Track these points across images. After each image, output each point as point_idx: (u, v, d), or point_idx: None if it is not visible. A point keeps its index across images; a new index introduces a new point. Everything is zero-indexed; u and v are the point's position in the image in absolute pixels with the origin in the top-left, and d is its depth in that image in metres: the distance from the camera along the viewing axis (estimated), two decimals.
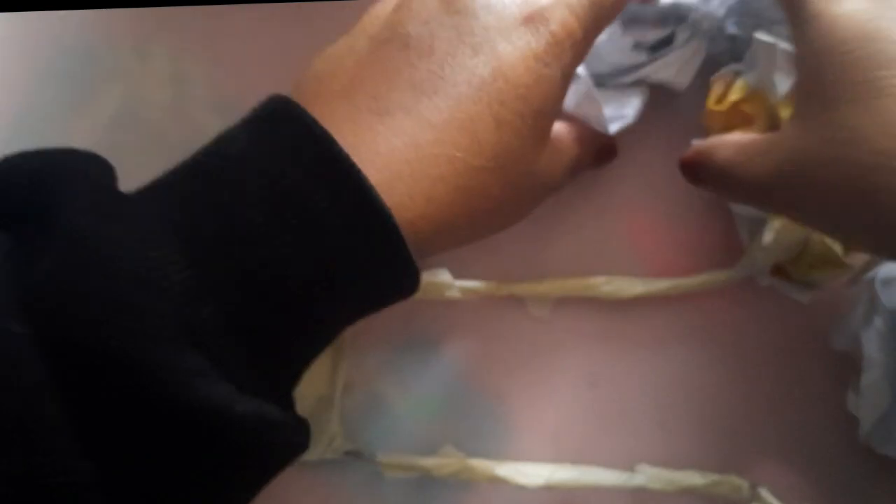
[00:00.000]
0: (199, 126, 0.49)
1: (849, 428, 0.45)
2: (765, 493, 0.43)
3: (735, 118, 0.42)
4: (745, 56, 0.43)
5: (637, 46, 0.43)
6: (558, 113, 0.37)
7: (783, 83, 0.40)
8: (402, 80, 0.33)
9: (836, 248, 0.42)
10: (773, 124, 0.41)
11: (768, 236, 0.42)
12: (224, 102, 0.49)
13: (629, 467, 0.45)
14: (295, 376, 0.32)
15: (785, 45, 0.40)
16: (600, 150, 0.44)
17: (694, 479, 0.44)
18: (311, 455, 0.44)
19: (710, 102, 0.43)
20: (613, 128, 0.43)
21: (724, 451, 0.46)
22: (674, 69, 0.44)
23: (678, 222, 0.48)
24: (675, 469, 0.45)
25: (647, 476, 0.45)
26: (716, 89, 0.43)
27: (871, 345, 0.42)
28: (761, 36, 0.41)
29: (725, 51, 0.45)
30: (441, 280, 0.45)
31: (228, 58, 0.50)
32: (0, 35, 0.50)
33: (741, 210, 0.45)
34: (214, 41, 0.50)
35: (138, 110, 0.49)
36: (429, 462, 0.44)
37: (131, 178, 0.48)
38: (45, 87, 0.49)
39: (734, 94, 0.42)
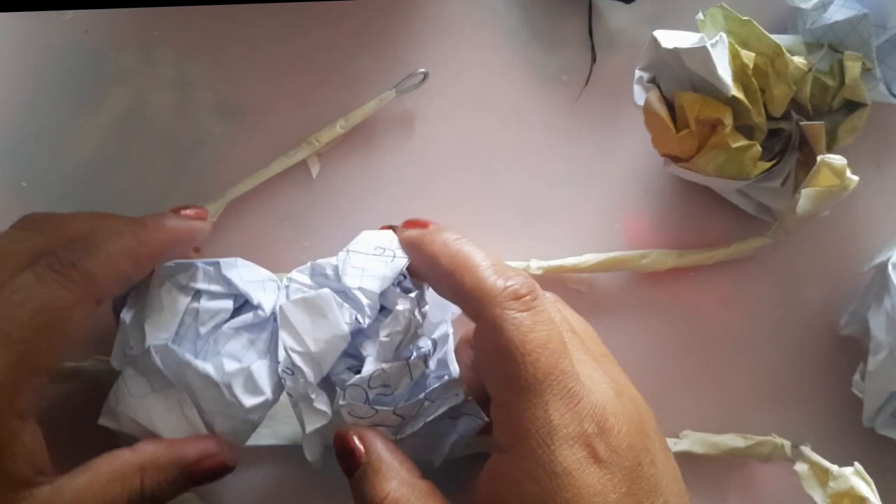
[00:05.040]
0: (204, 129, 0.49)
1: (853, 410, 0.46)
2: (807, 450, 0.44)
3: (704, 131, 0.44)
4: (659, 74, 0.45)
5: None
6: None
7: (727, 74, 0.42)
8: None
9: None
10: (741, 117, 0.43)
11: (804, 203, 0.43)
12: (228, 105, 0.49)
13: (674, 434, 0.46)
14: None
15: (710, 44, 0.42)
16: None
17: (736, 441, 0.46)
18: None
19: (674, 132, 0.44)
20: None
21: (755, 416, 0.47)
22: None
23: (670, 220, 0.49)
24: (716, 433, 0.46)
25: (690, 441, 0.46)
26: (668, 123, 0.44)
27: (880, 328, 0.44)
28: (681, 44, 0.43)
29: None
30: None
31: (233, 61, 0.50)
32: (5, 36, 0.49)
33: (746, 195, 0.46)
34: (219, 44, 0.50)
35: (143, 113, 0.49)
36: None
37: (135, 180, 0.48)
38: (50, 89, 0.49)
39: (692, 111, 0.43)
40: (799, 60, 0.43)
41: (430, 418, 0.40)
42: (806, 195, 0.42)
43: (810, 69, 0.43)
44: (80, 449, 0.37)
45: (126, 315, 0.40)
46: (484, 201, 0.49)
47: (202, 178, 0.48)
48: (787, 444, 0.45)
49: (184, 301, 0.40)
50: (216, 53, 0.50)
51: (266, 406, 0.40)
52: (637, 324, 0.48)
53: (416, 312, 0.40)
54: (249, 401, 0.39)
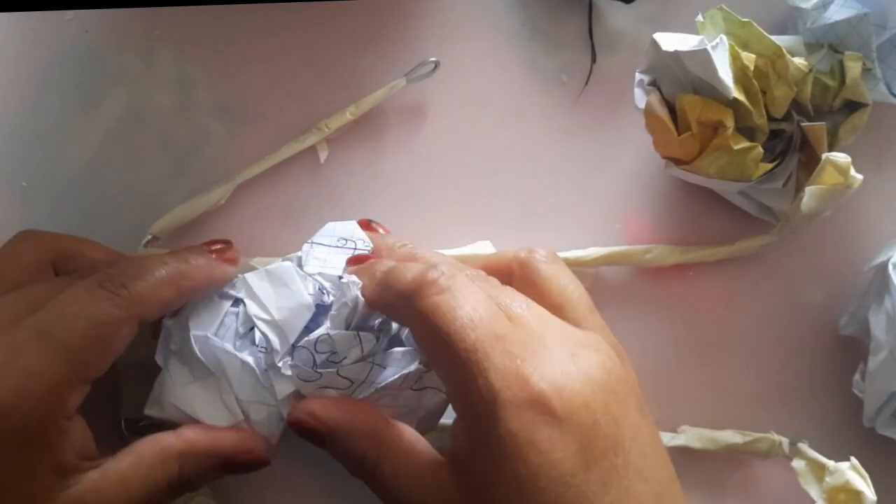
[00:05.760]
0: (204, 129, 0.49)
1: (853, 410, 0.46)
2: (804, 447, 0.45)
3: (706, 133, 0.44)
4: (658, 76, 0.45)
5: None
6: None
7: (727, 76, 0.42)
8: None
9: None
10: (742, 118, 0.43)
11: (809, 201, 0.43)
12: (229, 106, 0.49)
13: (672, 428, 0.47)
14: None
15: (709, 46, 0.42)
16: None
17: (734, 437, 0.46)
18: None
19: (676, 135, 0.44)
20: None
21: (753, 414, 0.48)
22: None
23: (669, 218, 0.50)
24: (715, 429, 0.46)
25: (688, 436, 0.46)
26: (669, 126, 0.45)
27: (880, 328, 0.44)
28: (682, 47, 0.43)
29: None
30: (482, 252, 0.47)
31: (233, 61, 0.50)
32: (6, 36, 0.49)
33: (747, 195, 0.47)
34: (219, 44, 0.50)
35: (143, 113, 0.49)
36: None
37: (136, 180, 0.48)
38: (50, 89, 0.49)
39: (694, 113, 0.43)
40: (799, 61, 0.43)
41: (382, 384, 0.40)
42: (810, 193, 0.42)
43: (811, 70, 0.43)
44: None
45: (168, 319, 0.42)
46: (483, 200, 0.49)
47: (202, 178, 0.48)
48: (784, 441, 0.45)
49: (225, 305, 0.42)
50: (216, 53, 0.50)
51: (297, 396, 0.41)
52: (637, 321, 0.48)
53: (359, 289, 0.41)
54: (282, 388, 0.41)
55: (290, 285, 0.42)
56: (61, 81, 0.49)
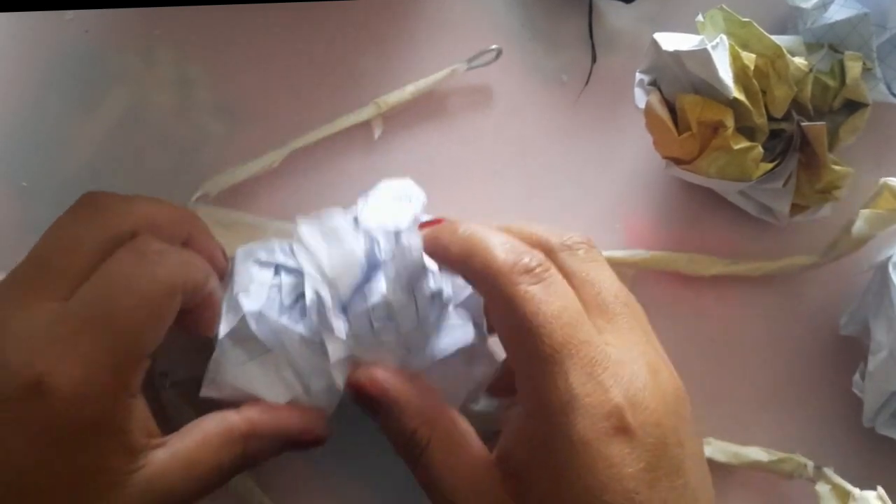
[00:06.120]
0: (204, 129, 0.49)
1: (853, 410, 0.46)
2: (830, 472, 0.44)
3: (706, 133, 0.44)
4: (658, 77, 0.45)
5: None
6: None
7: (727, 76, 0.42)
8: None
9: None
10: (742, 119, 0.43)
11: (861, 225, 0.43)
12: (228, 105, 0.49)
13: None
14: None
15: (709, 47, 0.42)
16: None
17: (759, 454, 0.45)
18: None
19: (676, 135, 0.44)
20: None
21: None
22: None
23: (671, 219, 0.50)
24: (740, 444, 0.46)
25: (713, 448, 0.46)
26: (669, 126, 0.45)
27: (880, 328, 0.43)
28: (682, 47, 0.43)
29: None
30: None
31: (233, 61, 0.50)
32: (6, 36, 0.49)
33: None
34: (219, 44, 0.50)
35: (143, 113, 0.49)
36: None
37: (135, 180, 0.48)
38: (50, 88, 0.49)
39: (694, 113, 0.43)
40: (799, 61, 0.43)
41: (439, 357, 0.40)
42: (863, 216, 0.42)
43: (811, 70, 0.43)
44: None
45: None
46: (483, 200, 0.49)
47: (202, 178, 0.48)
48: (810, 464, 0.44)
49: (267, 275, 0.42)
50: (216, 53, 0.50)
51: (352, 365, 0.41)
52: None
53: (420, 252, 0.40)
54: (334, 349, 0.40)
55: (343, 240, 0.41)
56: (61, 81, 0.49)
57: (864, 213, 0.42)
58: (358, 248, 0.41)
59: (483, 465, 0.36)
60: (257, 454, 0.39)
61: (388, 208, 0.42)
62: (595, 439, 0.33)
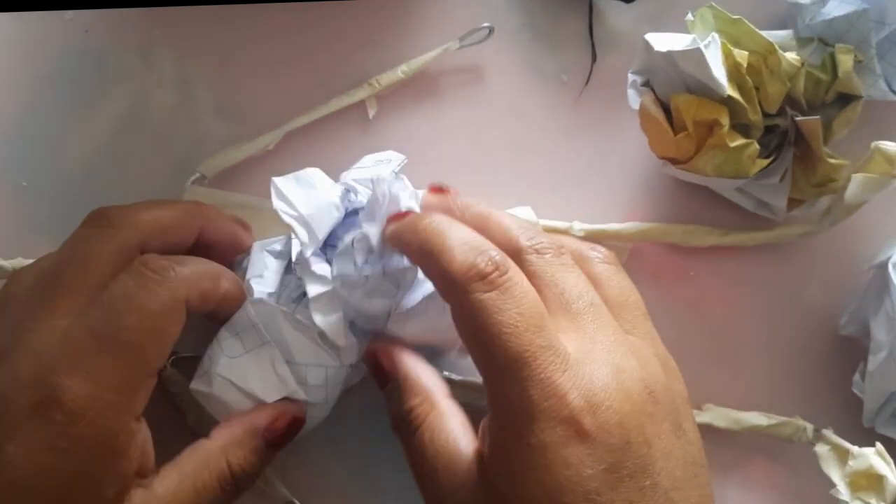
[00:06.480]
0: (204, 128, 0.49)
1: (853, 410, 0.46)
2: (829, 433, 0.44)
3: (702, 132, 0.44)
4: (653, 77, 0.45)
5: None
6: None
7: (721, 74, 0.42)
8: None
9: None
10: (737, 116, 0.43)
11: (853, 189, 0.42)
12: (228, 105, 0.50)
13: (697, 406, 0.46)
14: None
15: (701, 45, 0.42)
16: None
17: (759, 419, 0.45)
18: None
19: (672, 135, 0.44)
20: None
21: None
22: None
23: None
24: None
25: (713, 414, 0.46)
26: (665, 125, 0.44)
27: (880, 328, 0.43)
28: (674, 47, 0.43)
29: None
30: (526, 218, 0.46)
31: (233, 60, 0.50)
32: (6, 36, 0.49)
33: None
34: (219, 44, 0.50)
35: (143, 113, 0.49)
36: None
37: (135, 180, 0.49)
38: (50, 88, 0.49)
39: (689, 113, 0.43)
40: (791, 56, 0.43)
41: (428, 292, 0.41)
42: (855, 181, 0.42)
43: (803, 64, 0.43)
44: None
45: None
46: (476, 179, 0.49)
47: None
48: (809, 426, 0.44)
49: (280, 266, 0.42)
50: (216, 53, 0.50)
51: (354, 351, 0.42)
52: None
53: (395, 185, 0.41)
54: (313, 287, 0.41)
55: (316, 186, 0.42)
56: (61, 81, 0.49)
57: (857, 177, 0.42)
58: (334, 193, 0.42)
59: (465, 457, 0.36)
60: (246, 464, 0.39)
61: (369, 169, 0.43)
62: (553, 442, 0.33)
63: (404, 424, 0.38)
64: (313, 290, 0.40)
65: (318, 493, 0.45)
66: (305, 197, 0.41)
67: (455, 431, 0.37)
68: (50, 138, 0.49)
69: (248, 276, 0.42)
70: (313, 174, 0.42)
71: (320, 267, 0.41)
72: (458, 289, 0.35)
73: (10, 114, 0.49)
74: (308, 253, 0.40)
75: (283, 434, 0.40)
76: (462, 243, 0.36)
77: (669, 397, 0.36)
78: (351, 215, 0.42)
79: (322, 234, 0.41)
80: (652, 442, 0.34)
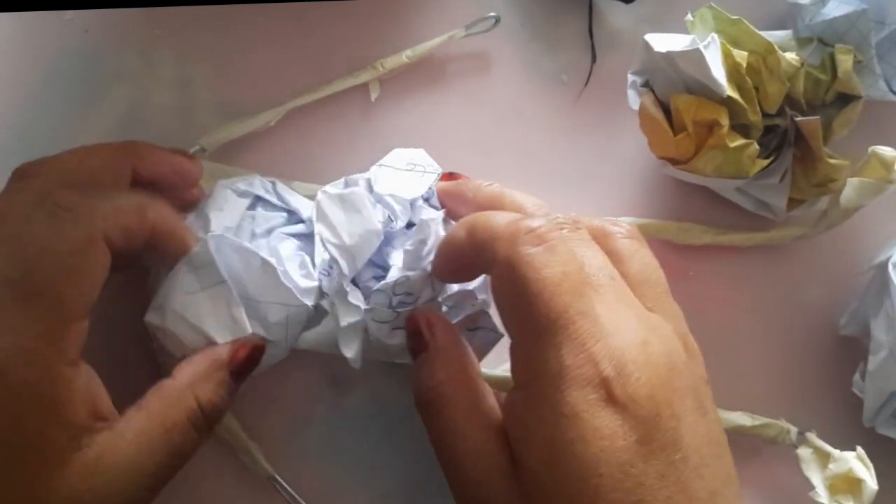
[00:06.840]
0: (204, 128, 0.49)
1: (853, 410, 0.46)
2: (812, 437, 0.44)
3: (702, 132, 0.44)
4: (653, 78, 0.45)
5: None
6: None
7: (721, 74, 0.42)
8: None
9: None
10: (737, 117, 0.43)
11: (849, 193, 0.42)
12: (229, 105, 0.49)
13: None
14: None
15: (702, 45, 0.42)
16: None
17: (743, 419, 0.45)
18: None
19: (672, 135, 0.44)
20: None
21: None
22: None
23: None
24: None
25: None
26: (664, 126, 0.44)
27: (880, 328, 0.43)
28: (673, 47, 0.43)
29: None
30: None
31: (233, 60, 0.50)
32: (6, 36, 0.49)
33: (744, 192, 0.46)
34: (219, 43, 0.50)
35: (144, 112, 0.49)
36: None
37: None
38: (50, 88, 0.49)
39: (689, 113, 0.43)
40: (791, 56, 0.43)
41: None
42: (851, 185, 0.42)
43: (802, 64, 0.43)
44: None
45: (190, 216, 0.42)
46: (478, 164, 0.49)
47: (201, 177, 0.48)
48: (793, 429, 0.44)
49: (243, 203, 0.42)
50: (216, 53, 0.50)
51: (317, 293, 0.41)
52: None
53: (441, 226, 0.41)
54: (305, 283, 0.41)
55: (361, 211, 0.41)
56: (62, 81, 0.49)
57: (853, 181, 0.42)
58: (376, 218, 0.41)
59: (492, 434, 0.36)
60: (215, 396, 0.38)
61: (403, 178, 0.42)
62: (585, 411, 0.32)
63: (431, 395, 0.38)
64: (345, 319, 0.40)
65: (318, 493, 0.45)
66: (349, 224, 0.41)
67: (483, 410, 0.37)
68: (50, 138, 0.49)
69: (207, 210, 0.41)
70: (359, 197, 0.41)
71: (355, 296, 0.41)
72: (504, 241, 0.35)
73: (10, 114, 0.49)
74: (346, 283, 0.40)
75: (246, 362, 0.40)
76: (505, 213, 0.37)
77: (691, 375, 0.35)
78: (386, 235, 0.42)
79: (362, 263, 0.41)
80: (680, 416, 0.33)
